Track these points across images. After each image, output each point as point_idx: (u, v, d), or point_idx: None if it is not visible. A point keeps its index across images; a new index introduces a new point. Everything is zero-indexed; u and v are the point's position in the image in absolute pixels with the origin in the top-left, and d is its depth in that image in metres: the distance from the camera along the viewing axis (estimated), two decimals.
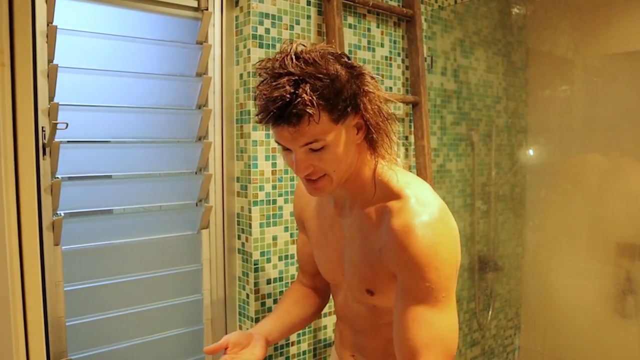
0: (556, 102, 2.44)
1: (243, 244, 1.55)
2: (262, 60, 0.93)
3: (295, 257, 1.58)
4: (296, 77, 0.88)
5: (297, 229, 1.57)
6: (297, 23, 1.57)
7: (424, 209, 0.95)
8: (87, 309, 1.37)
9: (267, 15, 1.50)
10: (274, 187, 1.53)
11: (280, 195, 1.54)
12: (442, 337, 0.92)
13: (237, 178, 1.55)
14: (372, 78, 0.97)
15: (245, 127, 1.50)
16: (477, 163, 2.30)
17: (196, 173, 1.54)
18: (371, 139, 0.98)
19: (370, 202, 1.04)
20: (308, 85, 0.87)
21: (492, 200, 2.38)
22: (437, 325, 0.92)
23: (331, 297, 1.29)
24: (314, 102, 0.87)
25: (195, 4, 1.49)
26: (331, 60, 0.91)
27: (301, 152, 0.94)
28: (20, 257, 0.64)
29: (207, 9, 1.50)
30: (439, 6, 2.07)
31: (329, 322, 1.66)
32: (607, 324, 2.20)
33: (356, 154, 1.01)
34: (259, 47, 1.48)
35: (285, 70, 0.88)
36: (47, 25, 1.23)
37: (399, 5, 1.85)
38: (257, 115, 0.92)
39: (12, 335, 0.62)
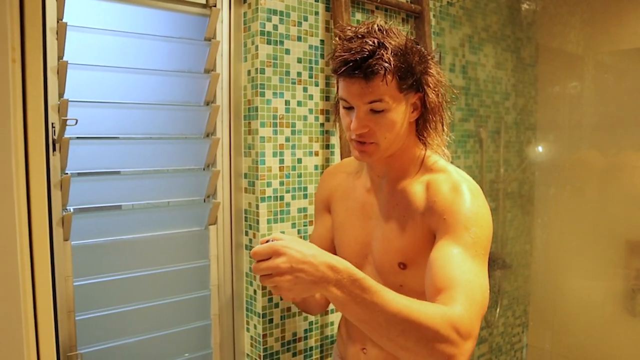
0: (566, 98, 2.42)
1: (250, 240, 1.55)
2: (352, 26, 1.04)
3: None
4: (378, 40, 0.98)
5: (305, 226, 1.57)
6: (305, 19, 1.57)
7: (469, 182, 1.05)
8: (96, 303, 1.38)
9: (275, 12, 1.50)
10: (281, 184, 1.53)
11: (287, 191, 1.55)
12: (480, 285, 0.93)
13: (245, 174, 1.56)
14: (437, 65, 1.08)
15: (253, 124, 1.51)
16: (486, 160, 2.29)
17: (204, 169, 1.55)
18: (426, 119, 1.07)
19: (412, 178, 1.11)
20: (389, 48, 0.97)
21: (501, 197, 2.37)
22: (477, 273, 0.94)
23: None
24: (392, 63, 0.97)
25: (203, 1, 1.49)
26: (408, 39, 1.03)
27: (363, 110, 1.02)
28: (31, 253, 0.65)
29: (215, 6, 1.51)
30: (448, 2, 2.06)
31: (335, 318, 1.67)
32: (617, 322, 2.18)
33: (407, 132, 1.08)
34: (267, 43, 1.48)
35: (373, 35, 0.99)
36: (57, 22, 1.24)
37: (407, 1, 1.85)
38: (334, 65, 1.01)
39: (23, 330, 0.63)
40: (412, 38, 1.06)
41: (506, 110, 2.38)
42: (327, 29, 1.62)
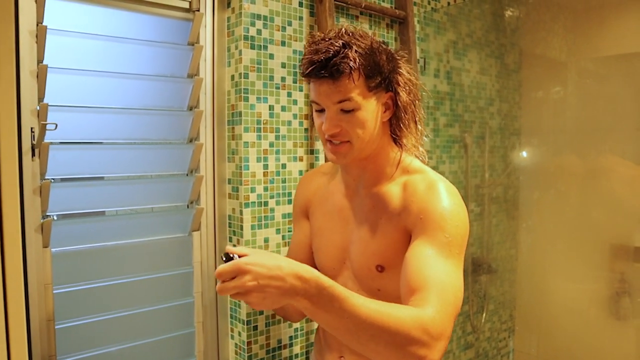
0: (549, 104, 2.44)
1: (234, 246, 1.53)
2: (317, 33, 1.09)
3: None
4: (344, 41, 1.00)
5: (289, 231, 1.56)
6: (290, 24, 1.56)
7: (444, 182, 1.06)
8: (77, 311, 1.36)
9: (258, 17, 1.49)
10: (265, 189, 1.52)
11: (271, 197, 1.54)
12: (452, 286, 0.94)
13: (229, 180, 1.54)
14: (408, 65, 1.09)
15: (237, 129, 1.50)
16: (471, 165, 2.30)
17: (187, 175, 1.54)
18: (398, 118, 1.08)
19: (388, 180, 1.11)
20: (354, 48, 0.99)
21: (486, 202, 2.37)
22: (450, 274, 0.95)
23: None
24: (357, 62, 0.98)
25: (186, 5, 1.49)
26: (374, 40, 1.05)
27: (333, 111, 1.03)
28: (2, 261, 0.63)
29: (198, 10, 1.50)
30: (432, 8, 2.07)
31: None
32: (602, 326, 2.19)
33: (380, 132, 1.08)
34: (251, 48, 1.48)
35: (337, 36, 1.01)
36: (37, 25, 1.22)
37: (391, 7, 1.85)
38: (302, 68, 1.03)
39: None
40: (380, 40, 1.07)
41: (491, 115, 2.39)
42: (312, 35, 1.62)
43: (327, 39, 1.01)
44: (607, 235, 2.17)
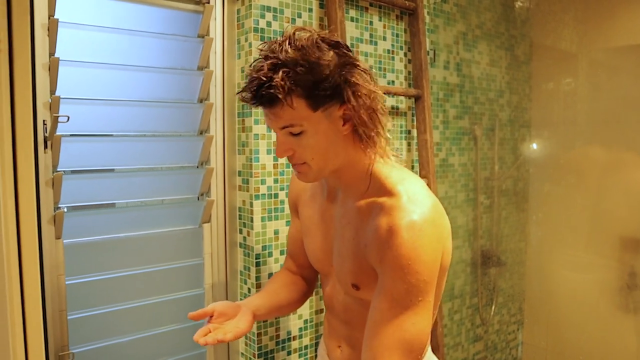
0: (560, 95, 2.43)
1: (245, 238, 1.54)
2: (266, 42, 0.96)
3: None
4: (277, 62, 0.90)
5: None
6: (299, 16, 1.56)
7: (415, 207, 0.94)
8: (89, 302, 1.37)
9: (268, 9, 1.49)
10: (275, 181, 1.52)
11: (281, 189, 1.54)
12: (408, 340, 0.91)
13: (239, 172, 1.55)
14: (364, 71, 0.97)
15: (247, 121, 1.50)
16: (480, 157, 2.29)
17: (198, 167, 1.54)
18: (356, 131, 0.98)
19: (363, 195, 1.03)
20: (285, 70, 0.89)
21: (495, 194, 2.37)
22: (406, 327, 0.92)
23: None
24: (286, 87, 0.89)
25: None
26: (324, 47, 0.93)
27: (281, 135, 0.97)
28: (19, 251, 0.64)
29: (208, 2, 1.50)
30: None
31: None
32: (611, 319, 2.19)
33: (345, 146, 1.00)
34: (261, 40, 1.48)
35: (273, 55, 0.91)
36: (49, 18, 1.23)
37: None
38: (246, 98, 0.95)
39: (9, 329, 0.62)
40: (333, 40, 0.95)
41: (500, 107, 2.38)
42: (321, 26, 1.61)
43: (265, 57, 0.93)
44: (617, 227, 2.16)
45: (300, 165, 1.00)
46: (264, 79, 0.90)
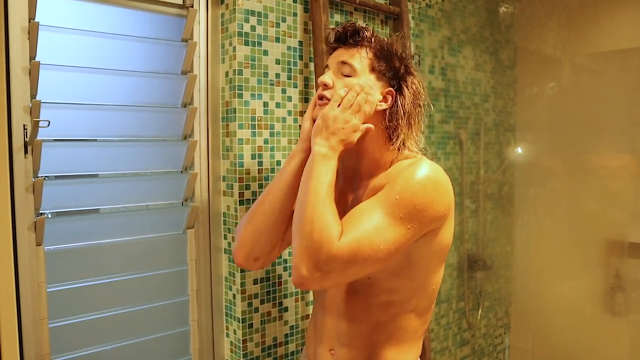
0: (544, 100, 2.45)
1: (229, 244, 1.53)
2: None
3: (282, 257, 1.57)
4: (368, 30, 1.13)
5: None
6: (284, 20, 1.56)
7: (434, 166, 1.05)
8: (71, 310, 1.35)
9: (252, 13, 1.48)
10: (260, 186, 1.51)
11: None
12: (360, 236, 0.96)
13: (223, 177, 1.54)
14: (419, 82, 1.15)
15: (231, 126, 1.49)
16: (466, 161, 2.30)
17: (181, 172, 1.53)
18: (392, 113, 1.10)
19: (383, 170, 1.13)
20: (373, 34, 1.12)
21: (481, 198, 2.38)
22: (377, 224, 0.97)
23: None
24: (372, 41, 1.11)
25: (180, 1, 1.48)
26: (392, 42, 1.15)
27: (334, 68, 1.12)
28: None
29: (192, 6, 1.49)
30: (426, 4, 2.07)
31: None
32: (597, 321, 2.20)
33: (372, 118, 1.09)
34: (245, 44, 1.47)
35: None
36: (29, 21, 1.21)
37: (385, 3, 1.85)
38: (331, 37, 1.16)
39: None
40: (405, 50, 1.16)
41: (486, 111, 2.39)
42: (306, 30, 1.61)
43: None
44: (602, 230, 2.18)
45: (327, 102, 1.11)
46: (359, 28, 1.11)
